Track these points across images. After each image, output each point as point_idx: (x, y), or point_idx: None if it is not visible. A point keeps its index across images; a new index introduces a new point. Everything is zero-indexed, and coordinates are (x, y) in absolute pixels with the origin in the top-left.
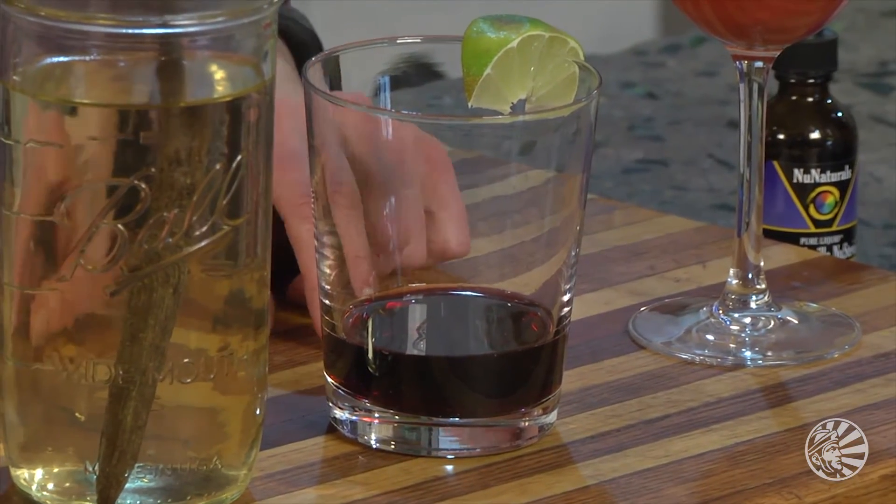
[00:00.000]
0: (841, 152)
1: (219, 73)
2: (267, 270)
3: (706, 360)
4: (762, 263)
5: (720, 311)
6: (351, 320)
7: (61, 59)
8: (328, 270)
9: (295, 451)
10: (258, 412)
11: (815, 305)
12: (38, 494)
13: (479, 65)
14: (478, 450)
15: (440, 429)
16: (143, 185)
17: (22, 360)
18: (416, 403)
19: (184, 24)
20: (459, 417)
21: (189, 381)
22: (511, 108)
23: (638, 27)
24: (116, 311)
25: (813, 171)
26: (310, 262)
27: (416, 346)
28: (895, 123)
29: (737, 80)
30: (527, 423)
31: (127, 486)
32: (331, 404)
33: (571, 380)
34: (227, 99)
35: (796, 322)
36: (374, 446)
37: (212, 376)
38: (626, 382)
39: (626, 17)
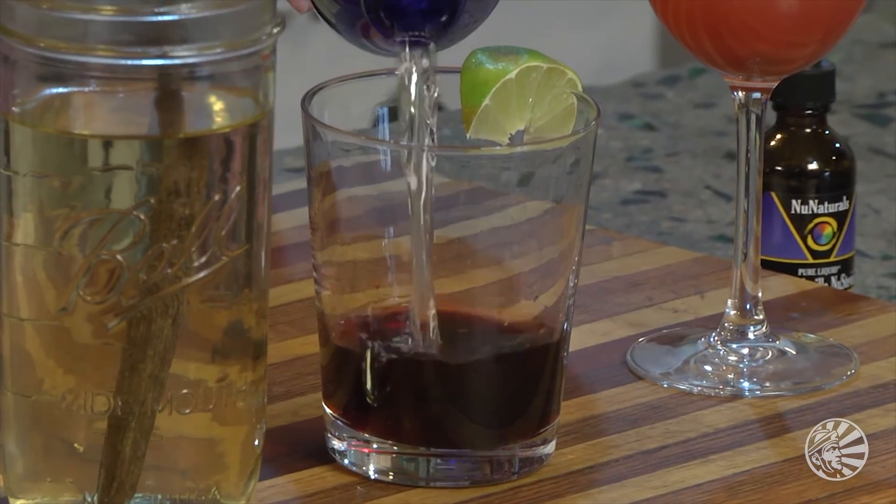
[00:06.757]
0: (839, 183)
1: (217, 105)
2: (266, 301)
3: (704, 390)
4: (760, 294)
5: (718, 342)
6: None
7: (60, 90)
8: (327, 301)
9: (293, 481)
10: (257, 443)
11: (813, 336)
12: None
13: (478, 96)
14: (476, 480)
15: (438, 459)
16: (142, 216)
17: (21, 391)
18: (414, 434)
19: (183, 56)
20: (458, 448)
21: (188, 411)
22: (509, 139)
23: (636, 59)
24: (115, 342)
25: (811, 201)
26: None
27: (414, 377)
28: (893, 154)
29: (735, 111)
30: (525, 454)
31: None
32: (329, 435)
33: (569, 410)
34: (226, 130)
35: (794, 353)
36: (373, 477)
37: (210, 407)
38: (624, 413)
39: (625, 49)
